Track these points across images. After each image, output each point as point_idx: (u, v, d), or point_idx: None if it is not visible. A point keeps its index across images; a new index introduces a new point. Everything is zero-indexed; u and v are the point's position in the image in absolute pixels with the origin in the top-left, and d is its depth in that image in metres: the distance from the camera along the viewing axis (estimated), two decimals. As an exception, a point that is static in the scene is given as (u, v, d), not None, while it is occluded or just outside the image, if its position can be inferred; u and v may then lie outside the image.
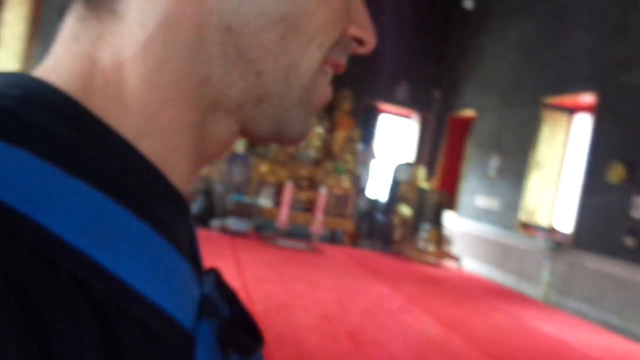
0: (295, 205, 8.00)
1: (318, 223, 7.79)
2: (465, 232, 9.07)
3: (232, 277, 4.55)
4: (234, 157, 7.81)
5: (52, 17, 6.64)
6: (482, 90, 9.90)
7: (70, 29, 0.30)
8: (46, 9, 6.82)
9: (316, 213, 7.82)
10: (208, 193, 7.35)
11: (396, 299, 4.99)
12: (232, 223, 6.97)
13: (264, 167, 7.96)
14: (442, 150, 10.94)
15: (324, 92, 0.37)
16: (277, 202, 7.80)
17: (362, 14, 0.37)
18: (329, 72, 0.37)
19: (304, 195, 8.09)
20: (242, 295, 4.03)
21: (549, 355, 4.01)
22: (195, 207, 7.24)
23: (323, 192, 7.81)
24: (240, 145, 8.16)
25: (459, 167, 10.56)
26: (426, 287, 5.92)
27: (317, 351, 3.14)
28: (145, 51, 0.29)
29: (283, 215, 7.65)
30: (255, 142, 0.36)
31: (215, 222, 7.03)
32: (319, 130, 9.66)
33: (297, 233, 7.92)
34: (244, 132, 0.34)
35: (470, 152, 9.94)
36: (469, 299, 5.78)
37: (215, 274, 0.35)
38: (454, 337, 3.99)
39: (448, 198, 8.78)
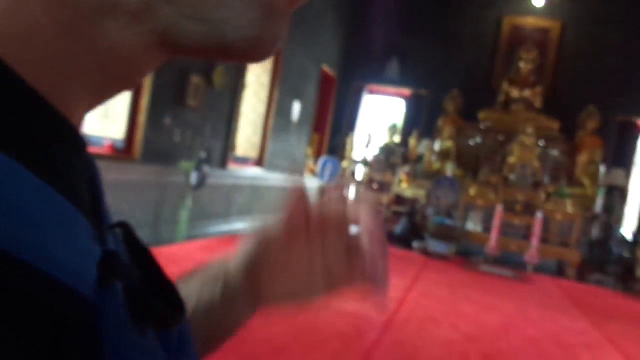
0: (510, 232, 7.43)
1: (533, 251, 7.04)
2: None
3: (396, 289, 4.61)
4: (440, 180, 7.77)
5: None
6: None
7: None
8: None
9: (531, 240, 7.09)
10: (411, 214, 7.48)
11: (588, 335, 4.19)
12: (432, 245, 6.92)
13: (472, 190, 7.67)
14: None
15: None
16: (488, 227, 7.37)
17: None
18: None
19: (517, 220, 7.44)
20: (391, 305, 4.07)
21: None
22: (398, 228, 7.44)
23: (539, 217, 7.05)
24: (448, 168, 8.07)
25: None
26: (647, 330, 4.76)
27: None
28: None
29: (492, 240, 7.20)
30: (190, 55, 0.26)
31: (416, 244, 7.10)
32: (554, 152, 8.78)
33: (509, 261, 7.30)
34: (168, 44, 0.25)
35: None
36: None
37: (125, 228, 0.29)
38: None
39: None
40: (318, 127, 9.83)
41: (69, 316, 0.20)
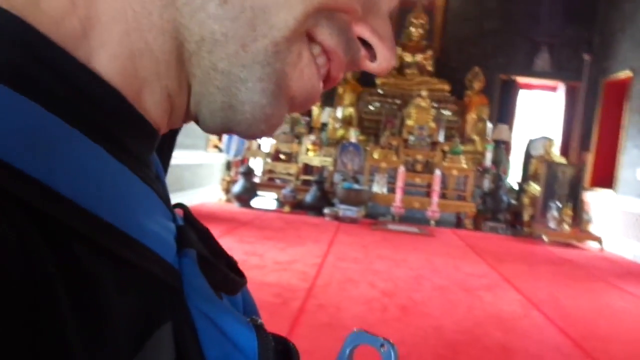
0: (412, 190, 7.86)
1: (434, 206, 7.53)
2: (625, 210, 7.86)
3: (313, 256, 4.73)
4: (345, 146, 7.98)
5: None
6: (638, 47, 8.52)
7: None
8: None
9: (432, 196, 7.57)
10: (320, 182, 7.64)
11: (488, 277, 4.62)
12: (342, 210, 7.14)
13: (376, 154, 7.98)
14: (597, 121, 9.63)
15: (307, 83, 0.28)
16: (392, 188, 7.74)
17: (381, 19, 0.30)
18: (320, 63, 0.29)
19: (419, 179, 7.89)
20: (310, 270, 4.18)
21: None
22: (309, 196, 7.58)
23: (437, 174, 7.53)
24: (352, 134, 8.30)
25: (617, 138, 9.20)
26: (535, 267, 5.34)
27: (354, 318, 3.13)
28: None
29: (397, 201, 7.58)
30: (205, 129, 0.30)
31: (327, 210, 7.28)
32: (447, 113, 9.31)
33: (414, 218, 7.75)
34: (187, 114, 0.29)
35: (629, 120, 8.59)
36: (586, 279, 5.05)
37: (184, 209, 0.33)
38: (533, 314, 3.58)
39: (583, 171, 7.72)
40: (219, 101, 9.59)
41: (158, 280, 0.24)
